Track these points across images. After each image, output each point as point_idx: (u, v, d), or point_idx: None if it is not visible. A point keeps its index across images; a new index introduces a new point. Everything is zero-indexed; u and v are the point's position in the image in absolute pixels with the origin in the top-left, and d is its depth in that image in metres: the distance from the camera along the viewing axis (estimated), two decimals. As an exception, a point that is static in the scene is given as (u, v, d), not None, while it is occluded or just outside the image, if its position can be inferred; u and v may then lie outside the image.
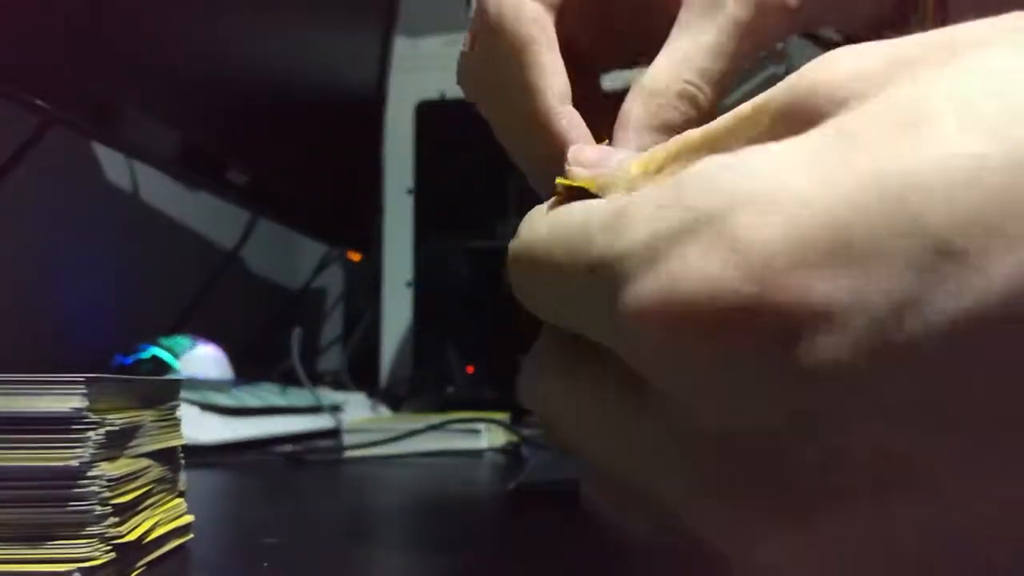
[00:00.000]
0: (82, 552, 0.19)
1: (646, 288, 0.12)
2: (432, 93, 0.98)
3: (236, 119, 0.69)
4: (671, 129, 0.20)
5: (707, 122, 0.15)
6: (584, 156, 0.17)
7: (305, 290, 1.12)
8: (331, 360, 1.18)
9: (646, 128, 0.20)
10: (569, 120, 0.22)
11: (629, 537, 0.17)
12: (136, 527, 0.21)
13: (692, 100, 0.21)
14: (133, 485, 0.21)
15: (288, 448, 0.55)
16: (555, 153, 0.21)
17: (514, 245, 0.16)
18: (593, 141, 0.22)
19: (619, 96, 0.22)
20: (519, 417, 0.60)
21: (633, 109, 0.21)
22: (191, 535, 0.25)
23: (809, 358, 0.11)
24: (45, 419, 0.19)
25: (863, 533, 0.12)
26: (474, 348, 0.86)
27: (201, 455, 0.48)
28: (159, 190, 0.85)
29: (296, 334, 0.68)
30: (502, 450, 0.54)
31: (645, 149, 0.17)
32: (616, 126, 0.21)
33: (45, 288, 0.70)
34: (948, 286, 0.11)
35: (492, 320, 0.92)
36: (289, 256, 1.20)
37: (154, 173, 0.77)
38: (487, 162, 0.98)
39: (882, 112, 0.12)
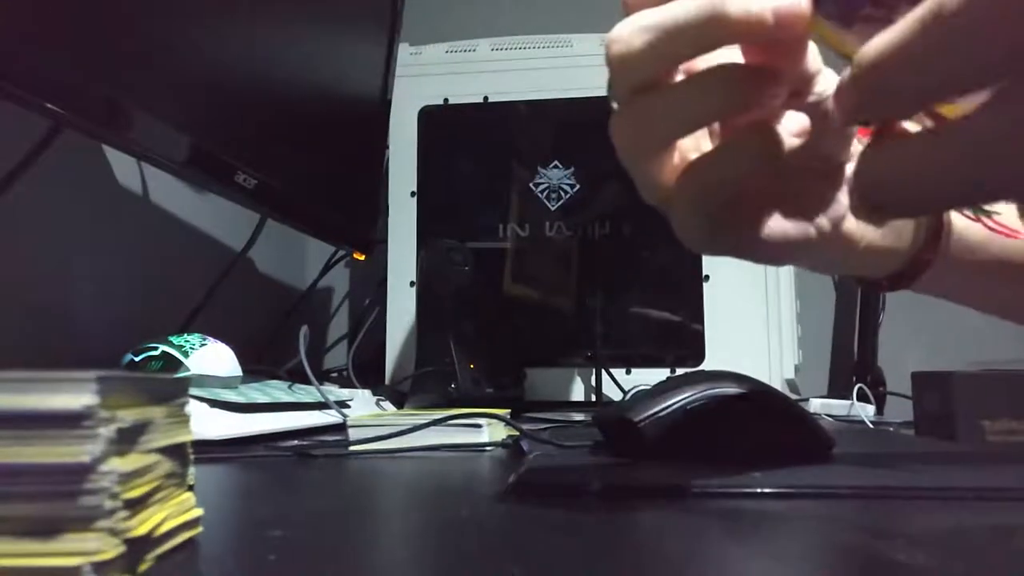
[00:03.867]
0: (92, 546, 0.19)
1: None
2: (435, 99, 0.99)
3: (245, 124, 0.70)
4: None
5: None
6: None
7: (312, 289, 1.13)
8: (337, 358, 1.19)
9: None
10: None
11: None
12: (146, 521, 0.21)
13: None
14: (143, 480, 0.21)
15: (295, 443, 0.56)
16: None
17: None
18: None
19: None
20: (518, 413, 0.61)
21: None
22: (200, 528, 0.25)
23: None
24: (56, 416, 0.19)
25: None
26: (475, 346, 0.87)
27: (210, 450, 0.49)
28: (169, 192, 0.86)
29: (303, 332, 0.69)
30: (503, 444, 0.54)
31: None
32: None
33: (57, 287, 0.71)
34: None
35: (492, 319, 0.92)
36: (296, 257, 1.21)
37: (164, 176, 0.78)
38: (488, 165, 0.99)
39: None
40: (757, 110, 0.29)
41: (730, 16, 0.25)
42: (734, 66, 0.28)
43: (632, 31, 0.27)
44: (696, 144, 0.32)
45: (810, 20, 0.25)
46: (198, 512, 0.25)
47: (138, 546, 0.21)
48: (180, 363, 0.60)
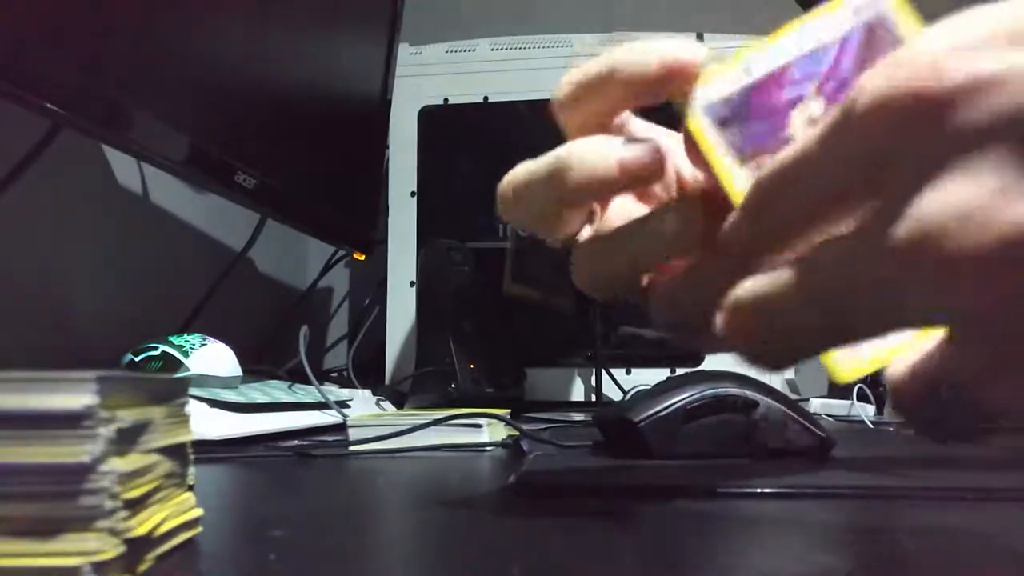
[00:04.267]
0: (92, 546, 0.19)
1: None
2: (435, 99, 0.99)
3: (245, 124, 0.70)
4: None
5: None
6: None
7: (312, 289, 1.13)
8: (337, 358, 1.19)
9: None
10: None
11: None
12: (146, 521, 0.21)
13: None
14: (143, 480, 0.21)
15: (295, 443, 0.56)
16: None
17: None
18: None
19: None
20: (518, 412, 0.61)
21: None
22: (200, 528, 0.25)
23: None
24: (56, 416, 0.19)
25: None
26: (475, 346, 0.87)
27: (210, 450, 0.49)
28: (169, 192, 0.86)
29: (303, 332, 0.69)
30: (503, 444, 0.54)
31: None
32: None
33: (56, 287, 0.71)
34: None
35: (492, 319, 0.92)
36: (296, 257, 1.21)
37: (164, 176, 0.78)
38: (488, 165, 0.99)
39: None
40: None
41: (574, 177, 0.25)
42: (673, 209, 0.25)
43: (507, 181, 0.28)
44: None
45: (708, 145, 0.24)
46: (198, 512, 0.25)
47: (138, 546, 0.21)
48: (180, 363, 0.60)
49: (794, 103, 0.24)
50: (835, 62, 0.23)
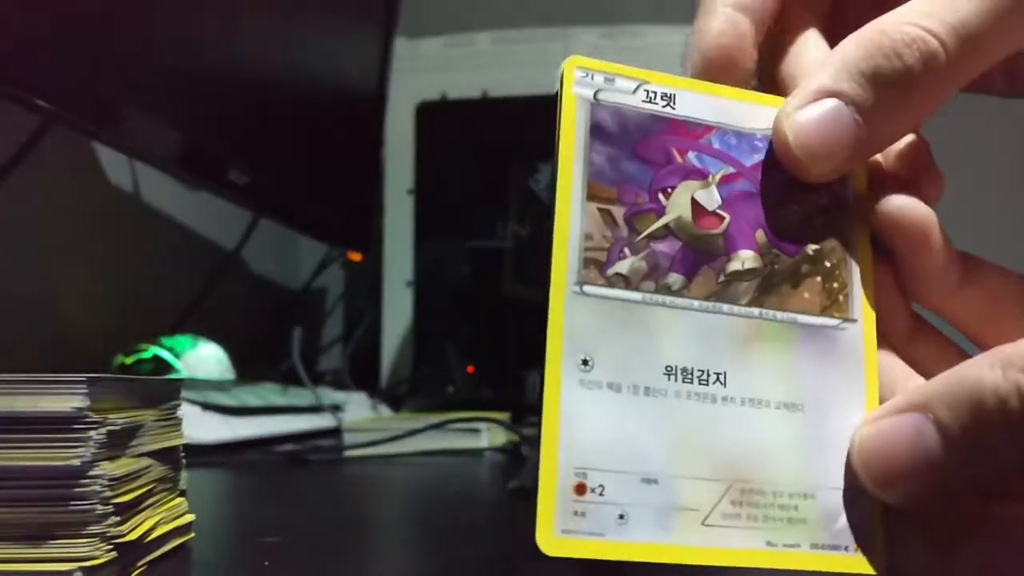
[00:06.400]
0: (83, 551, 0.19)
1: None
2: (432, 94, 0.99)
3: (237, 119, 0.69)
4: (885, 78, 0.18)
5: (940, 88, 0.18)
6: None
7: (306, 290, 1.12)
8: (332, 360, 1.18)
9: (854, 70, 0.18)
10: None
11: None
12: (137, 526, 0.21)
13: (925, 51, 0.18)
14: (134, 484, 0.21)
15: (289, 447, 0.55)
16: None
17: None
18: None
19: None
20: (519, 417, 0.61)
21: (846, 46, 0.18)
22: (192, 534, 0.25)
23: None
24: (47, 419, 0.19)
25: None
26: (474, 348, 0.86)
27: (202, 454, 0.49)
28: (160, 190, 0.85)
29: (297, 334, 0.68)
30: (502, 449, 0.54)
31: (839, 94, 0.18)
32: (818, 64, 0.19)
33: (46, 288, 0.70)
34: None
35: (492, 320, 0.92)
36: (290, 256, 1.20)
37: (155, 173, 0.77)
38: (487, 162, 0.98)
39: None
40: None
41: None
42: None
43: None
44: None
45: (568, 132, 0.19)
46: (190, 517, 0.25)
47: (129, 551, 0.20)
48: (171, 365, 0.59)
49: (688, 174, 0.19)
50: (759, 166, 0.19)
